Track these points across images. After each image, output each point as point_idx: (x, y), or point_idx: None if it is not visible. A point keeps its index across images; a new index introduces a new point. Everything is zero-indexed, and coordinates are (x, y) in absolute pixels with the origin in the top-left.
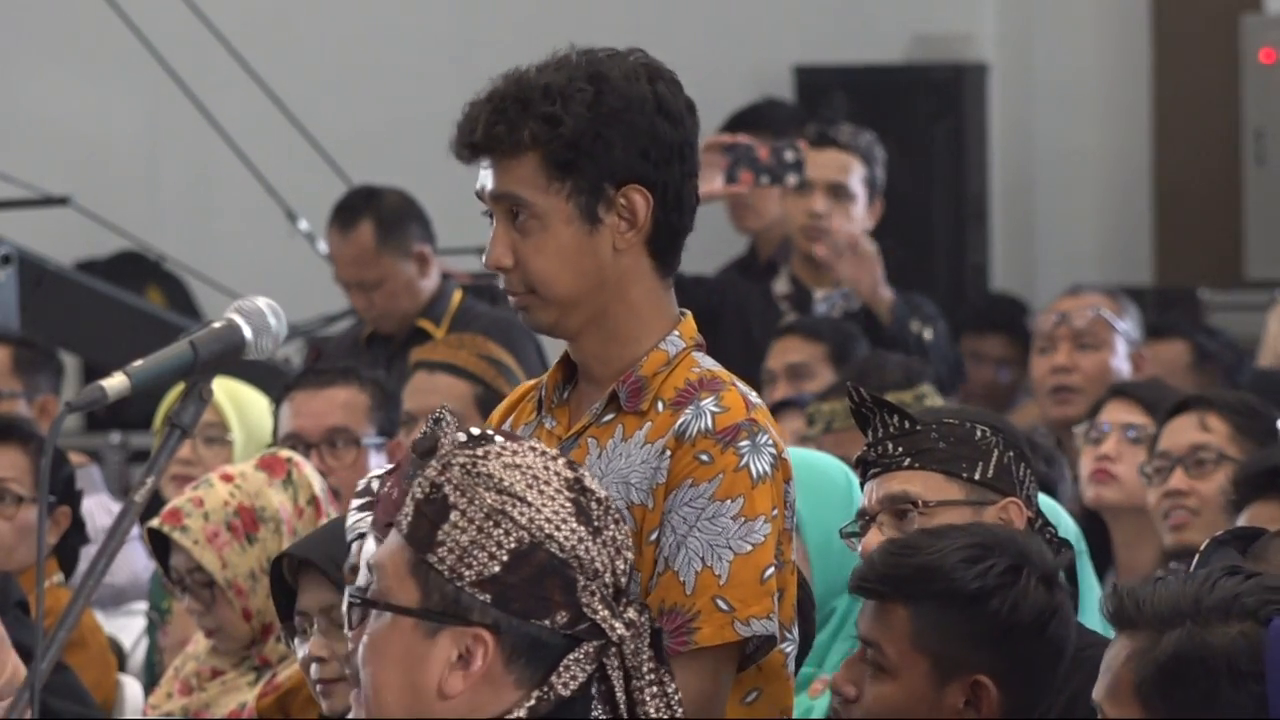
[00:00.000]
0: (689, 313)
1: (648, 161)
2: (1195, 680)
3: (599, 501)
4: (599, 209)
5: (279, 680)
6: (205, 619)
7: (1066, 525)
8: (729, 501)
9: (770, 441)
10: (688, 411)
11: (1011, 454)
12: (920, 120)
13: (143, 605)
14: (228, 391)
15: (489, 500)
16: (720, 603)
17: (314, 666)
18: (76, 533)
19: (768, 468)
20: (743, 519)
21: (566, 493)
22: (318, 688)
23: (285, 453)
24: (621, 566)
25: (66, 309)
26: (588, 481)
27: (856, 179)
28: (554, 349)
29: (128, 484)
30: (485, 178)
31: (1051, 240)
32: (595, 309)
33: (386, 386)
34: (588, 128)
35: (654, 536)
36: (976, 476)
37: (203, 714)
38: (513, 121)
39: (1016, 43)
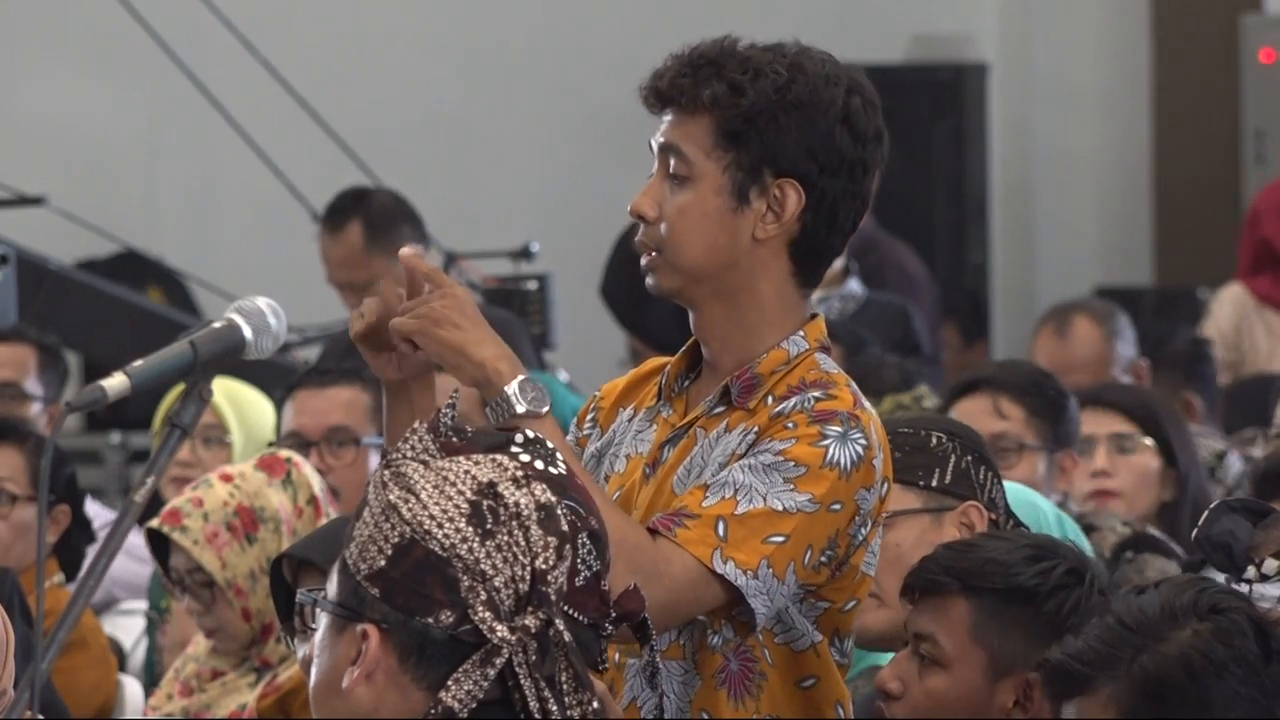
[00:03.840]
0: (821, 315)
1: (814, 163)
2: (1180, 694)
3: (507, 507)
4: (751, 191)
5: (279, 681)
6: (205, 619)
7: (1084, 541)
8: (791, 464)
9: (864, 442)
10: (793, 400)
11: (970, 458)
12: (920, 120)
13: (138, 604)
14: (226, 393)
15: (390, 497)
16: (720, 526)
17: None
18: (81, 532)
19: (847, 461)
20: (792, 487)
21: (469, 495)
22: None
23: (285, 452)
24: (522, 574)
25: (68, 308)
26: (503, 488)
27: None
28: (567, 357)
29: (128, 484)
30: (660, 129)
31: (1051, 240)
32: (721, 289)
33: None
34: (767, 107)
35: None
36: (934, 483)
37: (203, 715)
38: (701, 79)
39: (1016, 43)
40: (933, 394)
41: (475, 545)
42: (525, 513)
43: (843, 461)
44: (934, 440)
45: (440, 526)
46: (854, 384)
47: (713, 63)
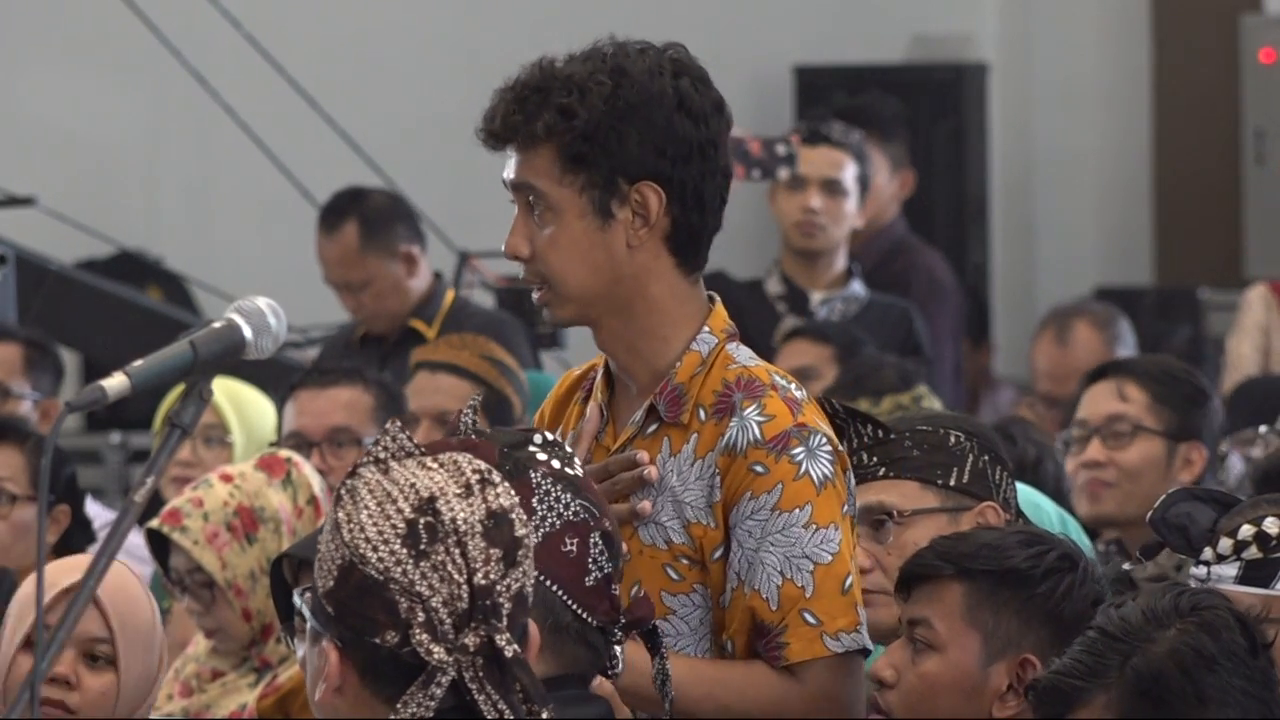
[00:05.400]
0: (718, 298)
1: (664, 158)
2: (1177, 690)
3: (444, 525)
4: (612, 204)
5: (280, 681)
6: (205, 619)
7: (1084, 541)
8: (796, 511)
9: (823, 441)
10: (732, 424)
11: (987, 458)
12: (920, 120)
13: None
14: (227, 393)
15: (339, 514)
16: (807, 616)
17: None
18: (81, 532)
19: (828, 470)
20: (814, 527)
21: (407, 513)
22: None
23: (285, 453)
24: (459, 592)
25: (68, 308)
26: (444, 503)
27: (849, 175)
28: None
29: (128, 484)
30: (508, 166)
31: (1051, 240)
32: (614, 304)
33: (392, 388)
34: (602, 121)
35: (718, 554)
36: (952, 483)
37: (203, 715)
38: (530, 112)
39: (1016, 43)
40: (932, 394)
41: (409, 567)
42: (464, 528)
43: (825, 471)
44: (952, 439)
45: (375, 550)
46: (773, 371)
47: (538, 90)
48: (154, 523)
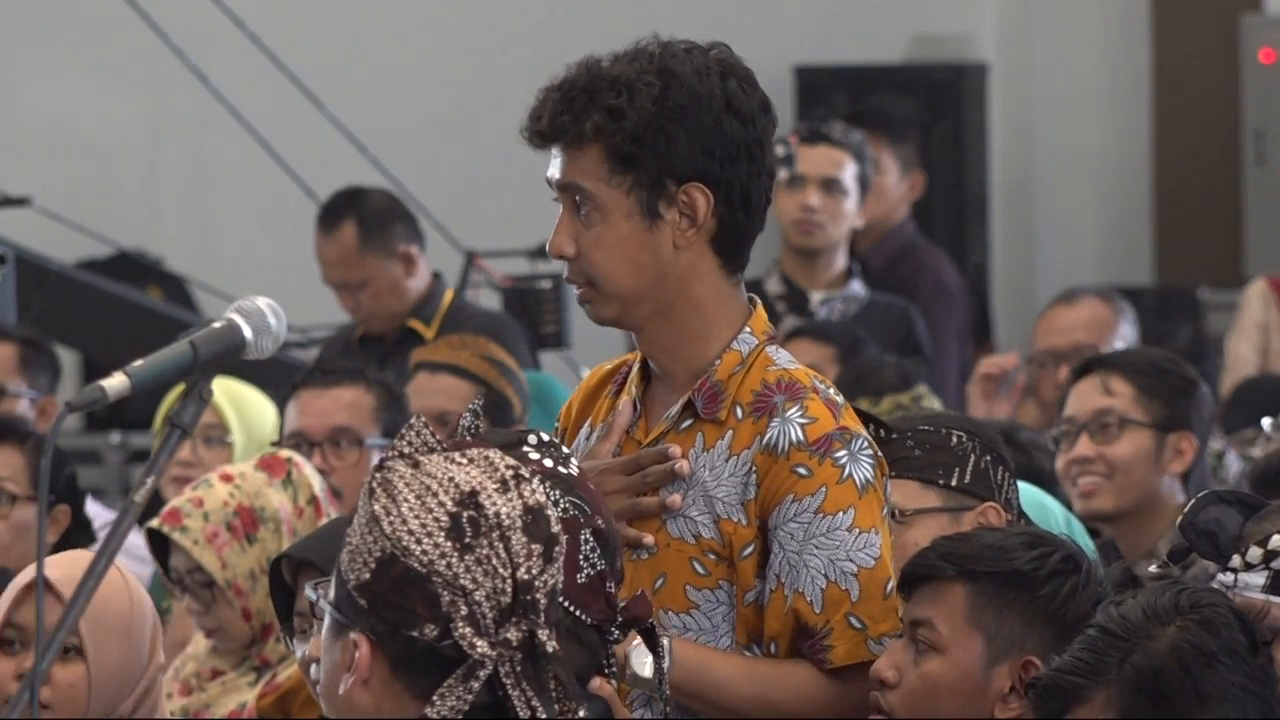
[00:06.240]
0: (758, 301)
1: (712, 159)
2: (1177, 687)
3: (487, 519)
4: (660, 205)
5: (279, 680)
6: (205, 619)
7: (1086, 542)
8: (840, 514)
9: (865, 444)
10: (774, 424)
11: (989, 458)
12: (920, 120)
13: None
14: (227, 392)
15: (375, 507)
16: (853, 620)
17: (314, 667)
18: (81, 532)
19: (870, 474)
20: (857, 531)
21: (450, 506)
22: (317, 688)
23: (285, 452)
24: (503, 586)
25: (68, 308)
26: (485, 498)
27: (849, 175)
28: (549, 358)
29: (128, 484)
30: (554, 165)
31: (1051, 240)
32: (658, 305)
33: (394, 388)
34: (651, 122)
35: (747, 552)
36: (954, 483)
37: (203, 714)
38: (578, 112)
39: (1016, 43)
40: (932, 394)
41: (454, 560)
42: (507, 522)
43: (867, 475)
44: (954, 439)
45: (419, 542)
46: (812, 375)
47: (585, 91)
48: (154, 523)
